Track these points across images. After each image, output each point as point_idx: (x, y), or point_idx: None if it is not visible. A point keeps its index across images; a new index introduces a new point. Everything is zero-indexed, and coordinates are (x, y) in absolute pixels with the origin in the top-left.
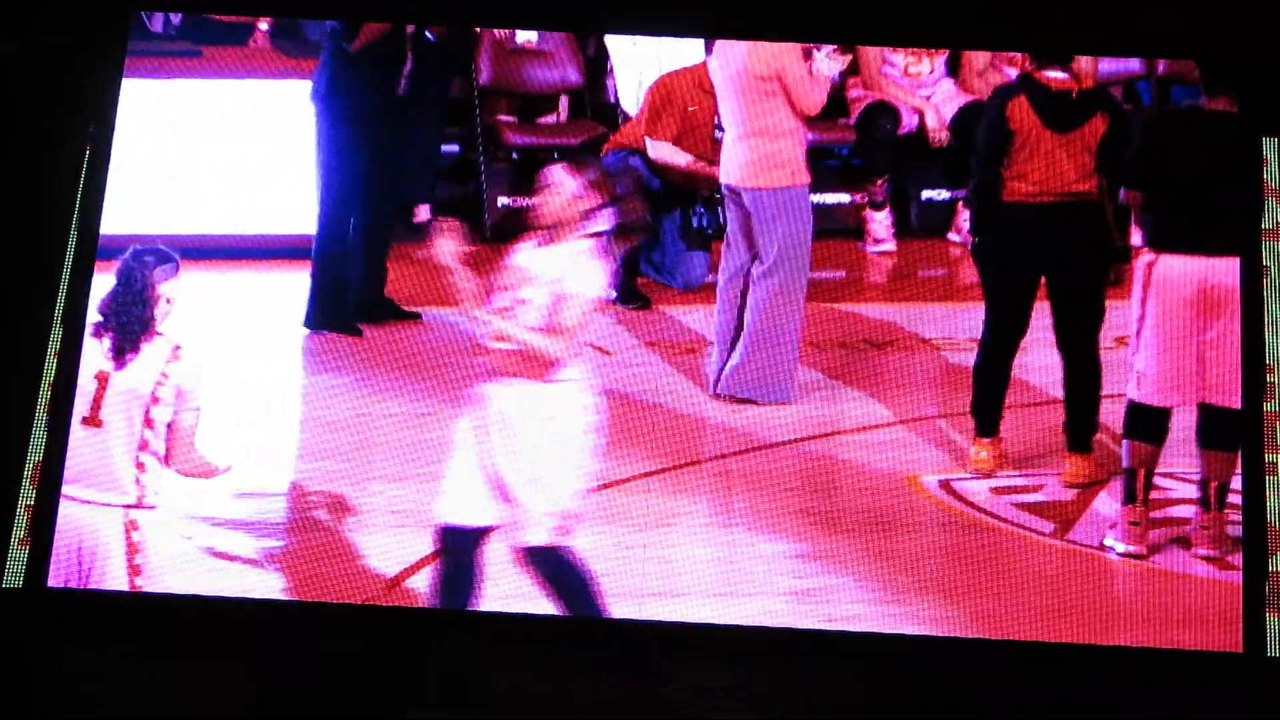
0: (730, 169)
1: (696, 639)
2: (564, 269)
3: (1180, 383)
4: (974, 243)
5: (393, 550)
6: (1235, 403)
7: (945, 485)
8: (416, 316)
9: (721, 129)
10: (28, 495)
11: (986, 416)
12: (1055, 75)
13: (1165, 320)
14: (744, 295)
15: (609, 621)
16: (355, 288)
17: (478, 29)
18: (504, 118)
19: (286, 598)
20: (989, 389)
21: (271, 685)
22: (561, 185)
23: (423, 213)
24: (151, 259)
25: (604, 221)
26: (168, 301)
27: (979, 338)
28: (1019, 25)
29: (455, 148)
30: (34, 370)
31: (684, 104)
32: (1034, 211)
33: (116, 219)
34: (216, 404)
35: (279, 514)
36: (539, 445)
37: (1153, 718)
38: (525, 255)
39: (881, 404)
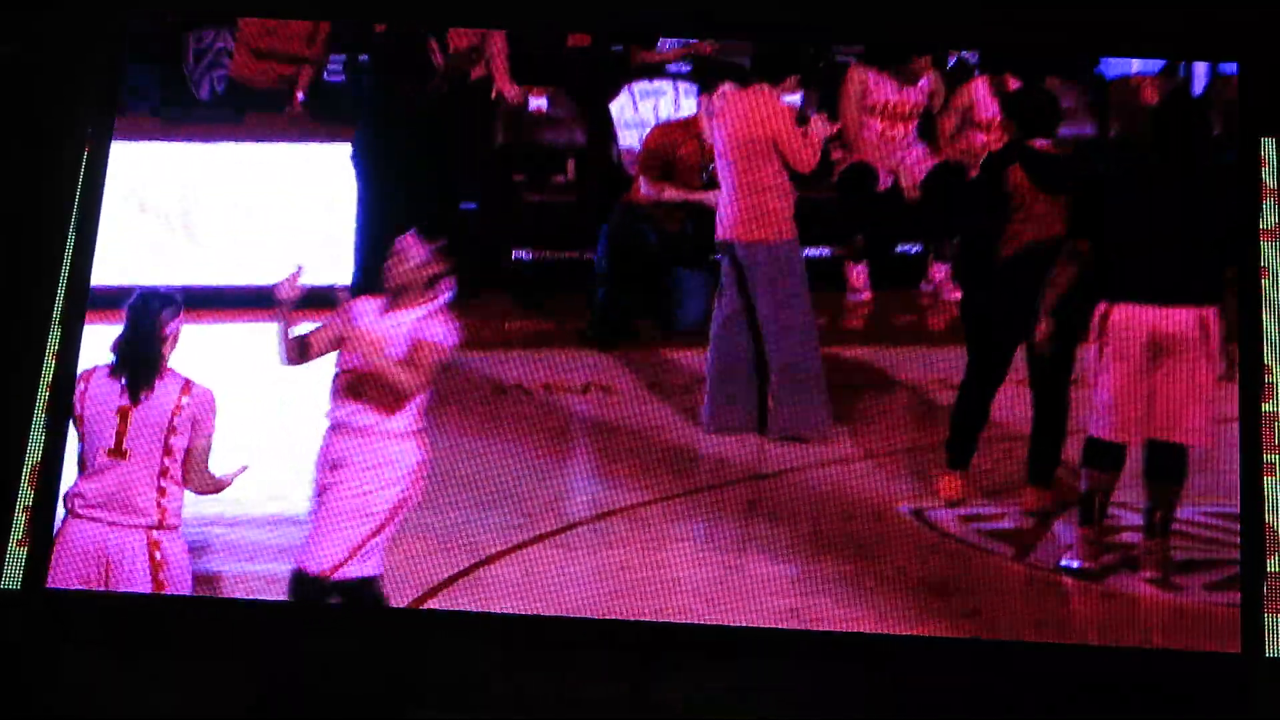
0: (724, 224)
1: (695, 639)
2: (410, 329)
3: (1133, 421)
4: (964, 298)
5: None
6: (1178, 437)
7: (917, 513)
8: None
9: (708, 171)
10: (26, 496)
11: (961, 452)
12: (1042, 142)
13: (1120, 364)
14: (742, 340)
15: (608, 622)
16: None
17: (493, 94)
18: (517, 177)
19: (287, 598)
20: (967, 428)
21: (271, 685)
22: (411, 253)
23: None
24: (158, 302)
25: (446, 289)
26: (174, 340)
27: (957, 380)
28: (1019, 25)
29: (473, 205)
30: (32, 371)
31: (675, 147)
32: (1025, 269)
33: (166, 272)
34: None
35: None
36: (346, 491)
37: (1152, 717)
38: (371, 317)
39: (859, 439)
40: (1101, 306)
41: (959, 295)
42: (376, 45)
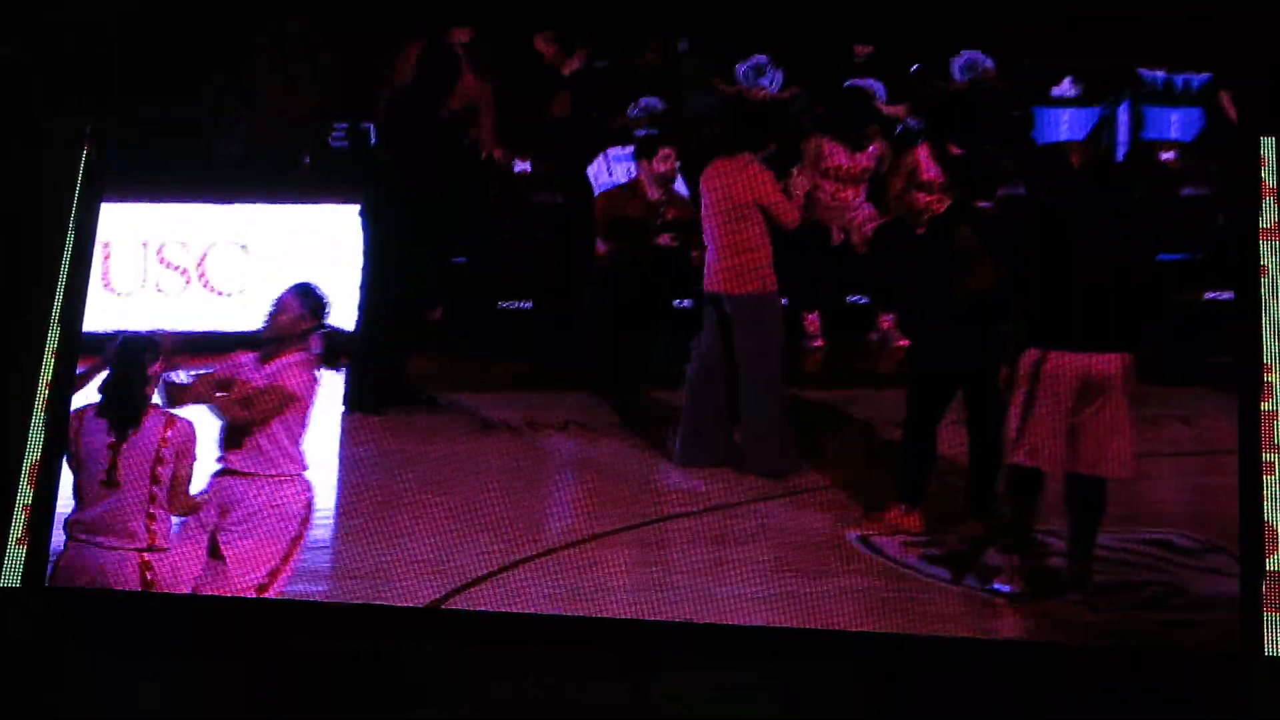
0: (713, 278)
1: (694, 638)
2: (284, 379)
3: (1053, 451)
4: (912, 344)
5: None
6: (1098, 470)
7: (865, 539)
8: (434, 400)
9: (660, 225)
10: (25, 494)
11: (913, 488)
12: (984, 205)
13: (1048, 401)
14: (718, 382)
15: (608, 621)
16: (384, 374)
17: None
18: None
19: (286, 598)
20: (918, 465)
21: (271, 685)
22: (288, 307)
23: (437, 313)
24: (139, 345)
25: (316, 344)
26: (156, 381)
27: (902, 418)
28: (1020, 30)
29: (463, 259)
30: (31, 370)
31: (622, 208)
32: (969, 319)
33: (182, 318)
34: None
35: None
36: (235, 536)
37: (1152, 717)
38: (250, 367)
39: (814, 472)
40: (1034, 354)
41: (904, 342)
42: (382, 112)
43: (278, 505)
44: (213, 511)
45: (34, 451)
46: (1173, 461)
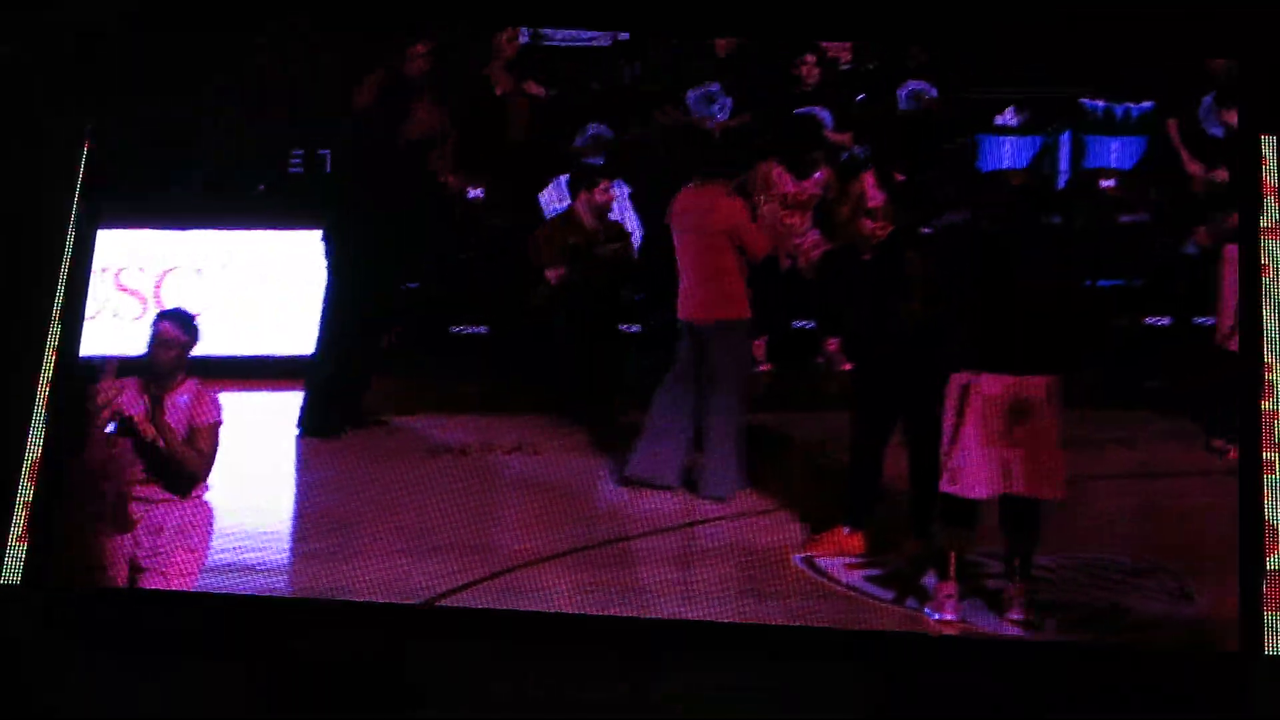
0: (689, 306)
1: (695, 638)
2: (185, 413)
3: (989, 479)
4: (856, 368)
5: None
6: (1031, 492)
7: (808, 560)
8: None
9: (604, 244)
10: (26, 492)
11: (855, 509)
12: (927, 231)
13: (981, 427)
14: (685, 404)
15: (607, 619)
16: (344, 397)
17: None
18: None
19: (285, 596)
20: (865, 488)
21: (271, 685)
22: (169, 338)
23: (391, 338)
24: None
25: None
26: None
27: (847, 441)
28: (1021, 30)
29: (415, 284)
30: (32, 367)
31: (566, 236)
32: (916, 342)
33: (139, 343)
34: None
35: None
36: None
37: (1152, 717)
38: (134, 394)
39: (760, 494)
40: (965, 377)
41: (849, 366)
42: (341, 138)
43: (196, 525)
44: (149, 534)
45: (35, 449)
46: (1114, 483)
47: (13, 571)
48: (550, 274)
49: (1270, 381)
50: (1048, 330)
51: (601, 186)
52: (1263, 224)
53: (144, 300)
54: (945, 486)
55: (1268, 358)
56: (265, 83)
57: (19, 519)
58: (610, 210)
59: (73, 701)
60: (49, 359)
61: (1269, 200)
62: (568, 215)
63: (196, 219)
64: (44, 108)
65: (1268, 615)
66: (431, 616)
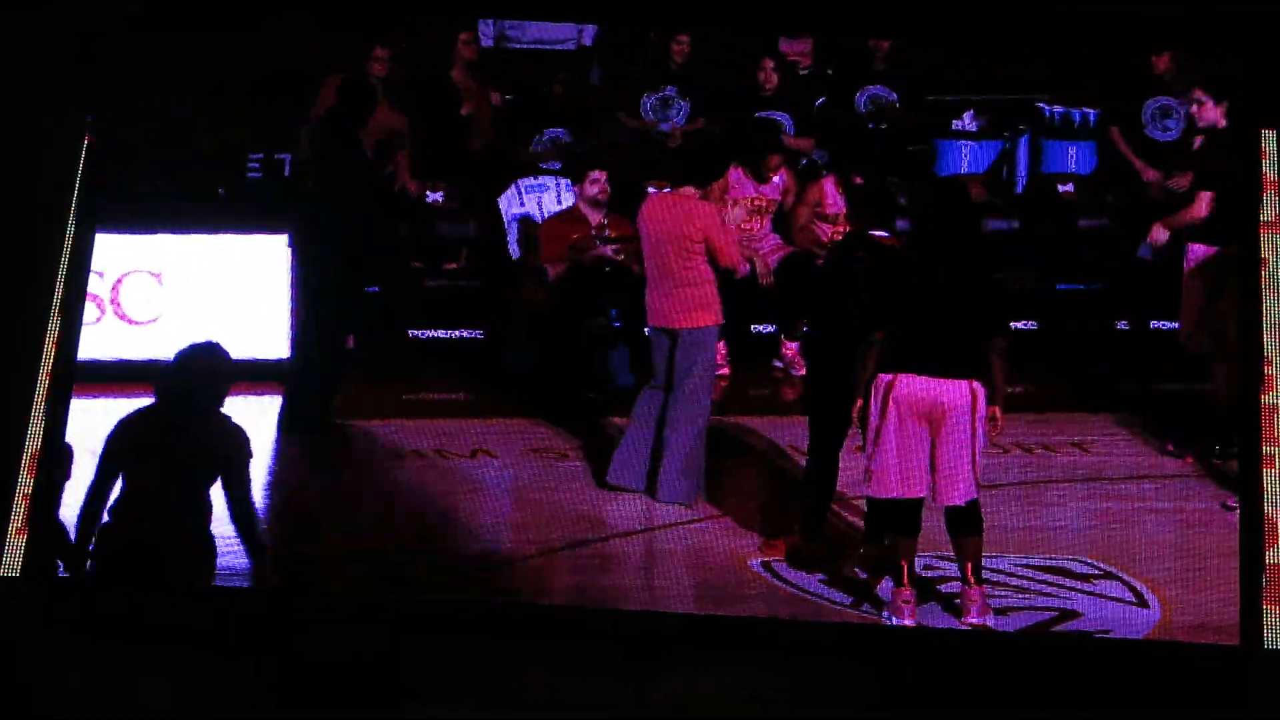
0: (664, 313)
1: (696, 634)
2: None
3: (912, 477)
4: (809, 372)
5: None
6: (956, 500)
7: (766, 565)
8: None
9: (601, 241)
10: (25, 484)
11: (812, 513)
12: (880, 234)
13: (901, 426)
14: (660, 412)
15: (606, 615)
16: (321, 397)
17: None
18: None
19: (284, 592)
20: (821, 496)
21: (271, 680)
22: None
23: (350, 341)
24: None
25: None
26: None
27: (805, 446)
28: (1021, 27)
29: (375, 288)
30: (32, 359)
31: (567, 234)
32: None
33: (96, 347)
34: None
35: None
36: None
37: (1150, 713)
38: None
39: (719, 500)
40: (887, 378)
41: (805, 371)
42: (303, 143)
43: None
44: None
45: (34, 441)
46: (1069, 487)
47: (12, 564)
48: (551, 270)
49: (1269, 375)
50: (969, 333)
51: (590, 178)
52: (1263, 218)
53: (101, 304)
54: (862, 488)
55: (1267, 352)
56: (225, 86)
57: (18, 511)
58: (606, 201)
59: (70, 692)
60: (49, 350)
61: (1268, 195)
62: (571, 212)
63: (155, 223)
64: (44, 108)
65: (1267, 610)
66: (429, 611)
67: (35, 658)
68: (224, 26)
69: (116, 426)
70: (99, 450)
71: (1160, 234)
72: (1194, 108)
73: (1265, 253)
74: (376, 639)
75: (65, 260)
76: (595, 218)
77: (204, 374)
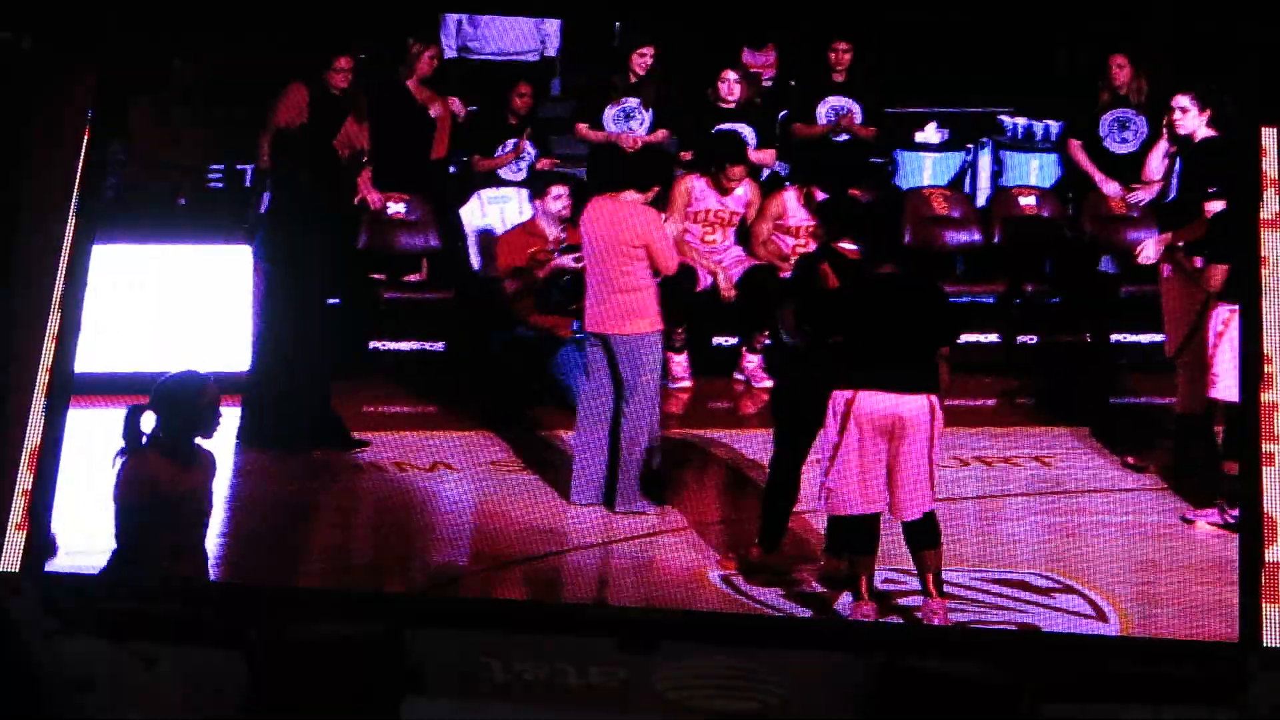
0: (598, 319)
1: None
2: None
3: (871, 494)
4: (775, 388)
5: None
6: (915, 514)
7: (726, 579)
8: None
9: (559, 250)
10: (25, 480)
11: (772, 526)
12: (848, 246)
13: (861, 443)
14: (610, 421)
15: (605, 610)
16: (310, 410)
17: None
18: (375, 275)
19: (283, 586)
20: (781, 509)
21: (268, 675)
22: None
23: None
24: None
25: None
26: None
27: (765, 460)
28: (1020, 13)
29: (336, 300)
30: (32, 355)
31: (524, 247)
32: (831, 361)
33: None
34: None
35: None
36: None
37: (1150, 711)
38: None
39: (679, 513)
40: (847, 394)
41: (767, 383)
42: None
43: None
44: None
45: (34, 436)
46: (1029, 501)
47: (11, 560)
48: (509, 283)
49: (1269, 373)
50: (925, 348)
51: (552, 194)
52: (1263, 216)
53: None
54: (821, 505)
55: (1267, 349)
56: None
57: (18, 506)
58: (565, 216)
59: (70, 690)
60: (48, 347)
61: (1269, 192)
62: (529, 225)
63: (116, 233)
64: (43, 107)
65: (1266, 607)
66: (428, 607)
67: (34, 652)
68: (224, 27)
69: (124, 473)
70: (114, 501)
71: (1154, 251)
72: (1174, 115)
73: (1265, 251)
74: (370, 632)
75: (65, 256)
76: (554, 232)
77: (199, 408)
